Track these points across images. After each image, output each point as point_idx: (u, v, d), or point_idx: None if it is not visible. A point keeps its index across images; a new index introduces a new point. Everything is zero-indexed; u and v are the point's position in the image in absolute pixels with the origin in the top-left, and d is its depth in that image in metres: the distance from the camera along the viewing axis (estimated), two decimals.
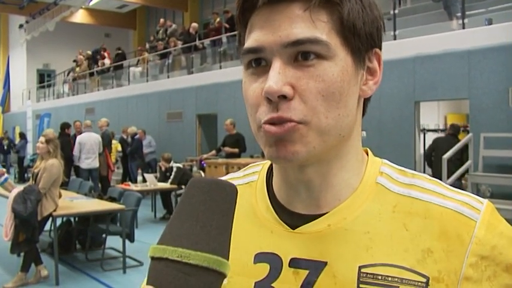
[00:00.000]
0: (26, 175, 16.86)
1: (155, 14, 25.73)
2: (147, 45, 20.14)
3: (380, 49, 0.78)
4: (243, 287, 0.78)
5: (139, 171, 12.69)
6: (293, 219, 0.78)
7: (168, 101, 15.71)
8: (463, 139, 8.31)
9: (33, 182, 5.95)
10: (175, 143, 14.99)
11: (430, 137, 14.13)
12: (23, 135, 20.58)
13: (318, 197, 0.77)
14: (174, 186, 10.06)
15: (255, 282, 0.77)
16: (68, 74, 24.49)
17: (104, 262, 6.84)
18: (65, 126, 12.21)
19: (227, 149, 10.34)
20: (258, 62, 0.73)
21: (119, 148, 13.82)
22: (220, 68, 14.56)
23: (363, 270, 0.72)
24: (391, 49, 8.76)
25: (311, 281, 0.74)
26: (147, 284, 0.56)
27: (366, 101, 0.81)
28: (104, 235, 7.05)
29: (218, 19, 16.28)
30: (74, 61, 24.43)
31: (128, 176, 13.17)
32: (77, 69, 23.11)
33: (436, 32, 9.26)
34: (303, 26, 0.69)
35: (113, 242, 7.18)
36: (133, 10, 26.96)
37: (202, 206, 0.58)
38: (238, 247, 0.79)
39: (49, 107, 23.37)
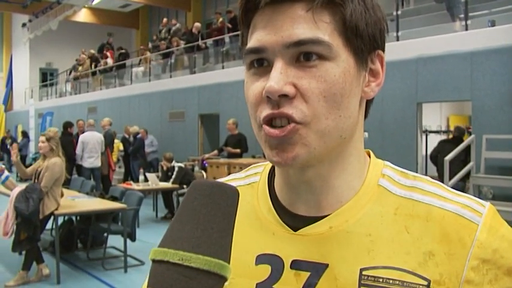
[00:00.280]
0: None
1: (158, 14, 25.75)
2: (150, 45, 20.14)
3: (383, 51, 0.78)
4: None
5: (141, 170, 12.69)
6: (295, 221, 0.78)
7: (170, 101, 15.71)
8: (465, 140, 8.31)
9: (36, 181, 5.96)
10: (177, 143, 15.00)
11: (433, 139, 14.15)
12: (25, 134, 20.62)
13: (319, 199, 0.77)
14: (176, 185, 10.06)
15: (257, 284, 0.77)
16: (70, 73, 24.50)
17: (105, 261, 6.85)
18: (67, 125, 12.22)
19: (229, 149, 10.36)
20: (260, 63, 0.73)
21: (121, 147, 13.84)
22: (223, 68, 14.55)
23: (364, 272, 0.72)
24: (394, 50, 8.75)
25: (312, 283, 0.74)
26: (148, 286, 0.56)
27: (369, 102, 0.80)
28: (105, 234, 7.05)
29: (221, 19, 16.28)
30: (76, 60, 24.46)
31: (130, 175, 13.18)
32: (80, 68, 23.12)
33: (439, 33, 9.25)
34: (305, 26, 0.69)
35: (115, 241, 7.19)
36: (136, 9, 26.98)
37: (204, 209, 0.58)
38: (240, 248, 0.79)
39: (51, 106, 23.39)
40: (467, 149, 8.18)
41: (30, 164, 7.17)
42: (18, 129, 24.75)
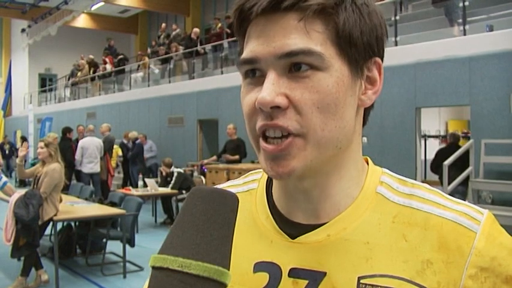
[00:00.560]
0: (26, 179, 16.85)
1: (157, 19, 25.77)
2: (149, 50, 20.16)
3: (381, 57, 0.77)
4: None
5: (140, 176, 12.68)
6: (292, 229, 0.78)
7: (169, 106, 15.71)
8: (464, 145, 8.30)
9: (35, 187, 5.95)
10: (176, 148, 15.00)
11: (432, 143, 14.17)
12: (24, 139, 20.58)
13: (316, 207, 0.77)
14: (175, 191, 10.04)
15: None
16: (69, 79, 24.51)
17: (104, 267, 6.83)
18: (66, 130, 12.22)
19: (228, 156, 10.36)
20: (254, 73, 0.73)
21: (119, 153, 13.83)
22: (222, 73, 14.56)
23: (362, 281, 0.72)
24: (392, 55, 8.76)
25: None
26: None
27: (367, 110, 0.80)
28: (104, 240, 7.04)
29: (220, 24, 16.33)
30: (73, 65, 24.48)
31: (129, 181, 13.17)
32: (79, 73, 23.13)
33: (438, 38, 9.26)
34: (297, 37, 0.69)
35: (113, 246, 7.18)
36: (135, 15, 27.01)
37: (203, 215, 0.58)
38: (238, 256, 0.78)
39: (50, 111, 23.36)
40: (466, 153, 8.18)
41: None
42: (17, 134, 24.71)
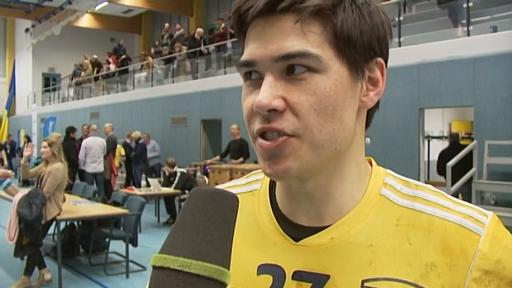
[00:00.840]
0: (30, 179, 16.88)
1: (160, 19, 25.82)
2: (152, 50, 20.19)
3: (384, 58, 0.75)
4: None
5: (143, 175, 12.70)
6: (296, 231, 0.77)
7: (172, 106, 15.73)
8: (468, 146, 8.29)
9: (38, 186, 5.96)
10: (179, 148, 15.01)
11: (435, 144, 14.16)
12: (28, 139, 20.64)
13: (320, 209, 0.77)
14: (178, 191, 10.06)
15: None
16: (72, 79, 24.57)
17: (107, 266, 6.84)
18: (70, 130, 12.24)
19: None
20: (253, 75, 0.73)
21: (122, 152, 13.85)
22: (225, 73, 14.57)
23: (366, 284, 0.71)
24: (396, 56, 8.75)
25: None
26: None
27: (371, 111, 0.79)
28: (107, 239, 7.05)
29: (223, 24, 16.33)
30: (75, 65, 24.55)
31: (132, 181, 13.18)
32: (82, 73, 23.19)
33: (441, 39, 9.25)
34: (294, 39, 0.68)
35: (116, 246, 7.18)
36: (138, 15, 27.07)
37: (204, 215, 0.58)
38: (242, 258, 0.79)
39: (54, 111, 23.42)
40: (470, 155, 8.17)
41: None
42: (21, 134, 24.79)
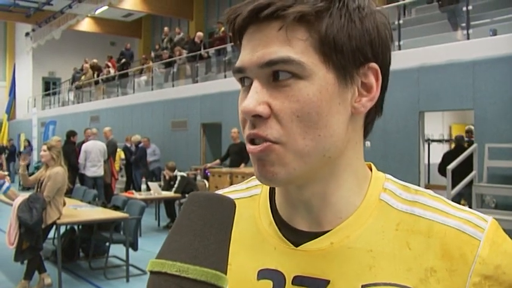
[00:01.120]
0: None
1: (160, 23, 25.84)
2: (152, 54, 20.21)
3: (379, 62, 0.73)
4: None
5: (144, 179, 12.69)
6: (296, 236, 0.77)
7: (172, 110, 15.74)
8: (468, 149, 8.28)
9: (38, 190, 5.96)
10: (179, 152, 15.01)
11: (435, 147, 14.15)
12: (28, 143, 20.68)
13: (318, 216, 0.77)
14: (178, 195, 10.05)
15: None
16: (73, 83, 24.59)
17: (107, 270, 6.83)
18: (70, 134, 12.23)
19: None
20: (246, 81, 0.74)
21: (122, 156, 13.86)
22: (225, 77, 14.58)
23: None
24: (396, 59, 8.63)
25: None
26: None
27: (371, 117, 0.78)
28: (107, 243, 7.05)
29: (223, 28, 16.35)
30: (74, 69, 24.58)
31: (132, 185, 13.18)
32: (82, 77, 23.21)
33: (441, 42, 9.26)
34: (277, 45, 0.69)
35: (117, 250, 7.18)
36: (138, 19, 27.10)
37: (201, 220, 0.58)
38: (242, 262, 0.79)
39: (54, 115, 23.43)
40: (470, 158, 8.16)
41: (33, 173, 7.19)
42: (21, 138, 24.80)
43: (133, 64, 22.45)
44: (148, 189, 10.34)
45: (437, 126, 14.95)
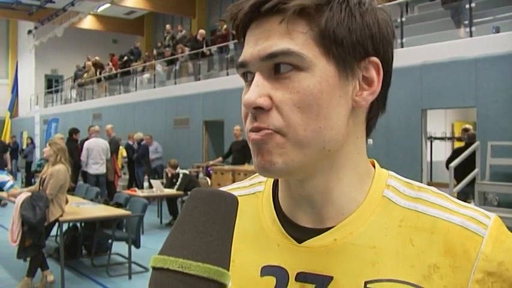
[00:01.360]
0: (33, 180, 16.93)
1: (163, 21, 25.82)
2: (155, 52, 20.21)
3: (380, 57, 0.74)
4: None
5: (146, 177, 12.70)
6: (299, 233, 0.78)
7: (175, 107, 15.74)
8: (470, 147, 8.27)
9: (40, 188, 5.97)
10: (182, 149, 15.02)
11: (437, 145, 14.12)
12: (31, 140, 20.71)
13: (320, 211, 0.77)
14: (181, 192, 10.06)
15: None
16: (75, 81, 24.62)
17: (109, 268, 6.85)
18: (72, 131, 12.25)
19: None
20: (248, 75, 0.75)
21: (124, 154, 13.87)
22: (227, 74, 14.58)
23: (368, 285, 0.72)
24: (398, 57, 8.63)
25: None
26: None
27: (375, 113, 0.78)
28: (110, 241, 7.05)
29: (225, 26, 16.33)
30: (76, 66, 24.60)
31: (134, 182, 13.19)
32: (85, 75, 23.22)
33: (444, 40, 9.24)
34: (278, 38, 0.70)
35: (119, 247, 7.19)
36: (141, 16, 27.09)
37: (203, 217, 0.58)
38: (245, 259, 0.80)
39: (57, 113, 23.46)
40: (473, 155, 8.15)
41: (36, 170, 7.21)
42: (24, 135, 24.83)
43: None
44: (150, 186, 10.35)
45: (440, 124, 14.91)
